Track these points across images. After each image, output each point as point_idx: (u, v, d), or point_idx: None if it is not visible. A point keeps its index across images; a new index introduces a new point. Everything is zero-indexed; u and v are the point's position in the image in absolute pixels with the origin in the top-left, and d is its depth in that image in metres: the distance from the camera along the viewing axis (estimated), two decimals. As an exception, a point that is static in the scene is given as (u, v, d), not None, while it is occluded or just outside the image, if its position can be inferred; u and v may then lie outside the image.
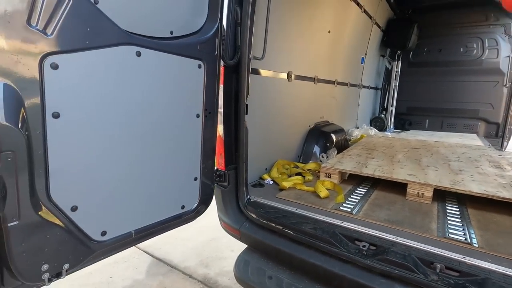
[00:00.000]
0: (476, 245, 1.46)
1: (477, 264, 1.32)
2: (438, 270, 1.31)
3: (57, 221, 1.14)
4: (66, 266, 1.20)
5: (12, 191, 0.99)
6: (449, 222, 1.73)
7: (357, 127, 4.99)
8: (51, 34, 1.04)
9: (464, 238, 1.52)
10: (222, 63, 1.83)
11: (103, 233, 1.33)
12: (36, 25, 1.00)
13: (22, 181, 1.02)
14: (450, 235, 1.56)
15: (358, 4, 3.94)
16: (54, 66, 1.07)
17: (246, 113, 2.03)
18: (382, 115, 5.87)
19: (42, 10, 1.01)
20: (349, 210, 1.87)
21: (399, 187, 2.17)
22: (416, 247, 1.46)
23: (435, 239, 1.53)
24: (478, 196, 1.88)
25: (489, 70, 5.04)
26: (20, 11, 0.96)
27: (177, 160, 1.63)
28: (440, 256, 1.38)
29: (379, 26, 5.04)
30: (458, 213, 1.87)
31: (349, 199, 2.07)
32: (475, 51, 5.15)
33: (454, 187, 1.96)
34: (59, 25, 1.05)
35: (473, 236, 1.55)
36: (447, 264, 1.33)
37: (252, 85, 2.09)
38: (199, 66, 1.64)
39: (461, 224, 1.70)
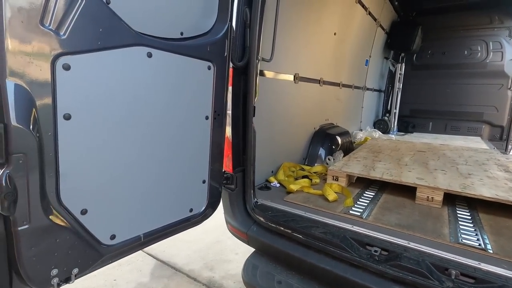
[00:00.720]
0: (491, 251, 1.43)
1: (493, 270, 1.29)
2: (453, 277, 1.28)
3: (67, 225, 1.12)
4: (75, 270, 1.17)
5: (23, 194, 0.97)
6: (461, 227, 1.70)
7: (361, 130, 4.98)
8: (64, 34, 1.03)
9: (478, 244, 1.49)
10: (230, 65, 1.82)
11: (112, 237, 1.31)
12: (49, 25, 0.99)
13: (33, 184, 1.00)
14: (463, 240, 1.53)
15: (363, 6, 3.93)
16: (66, 67, 1.05)
17: (254, 115, 2.02)
18: (386, 118, 5.85)
19: (55, 10, 0.99)
20: (359, 214, 1.84)
21: (407, 191, 2.14)
22: (429, 253, 1.43)
23: (448, 245, 1.50)
24: (489, 200, 1.86)
25: (494, 73, 5.02)
26: (34, 11, 0.94)
27: (186, 163, 1.61)
28: (454, 262, 1.36)
29: (383, 29, 5.03)
30: (470, 217, 1.84)
31: (358, 202, 2.05)
32: (479, 53, 5.14)
33: (464, 191, 1.94)
34: (71, 25, 1.04)
35: (487, 241, 1.52)
36: (462, 271, 1.30)
37: (259, 87, 2.08)
38: (209, 68, 1.63)
39: (473, 229, 1.67)
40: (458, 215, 1.88)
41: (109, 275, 2.82)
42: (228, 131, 1.97)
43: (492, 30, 5.03)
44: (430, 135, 5.37)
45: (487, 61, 5.06)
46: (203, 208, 1.76)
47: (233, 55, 1.81)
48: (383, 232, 1.61)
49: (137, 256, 3.15)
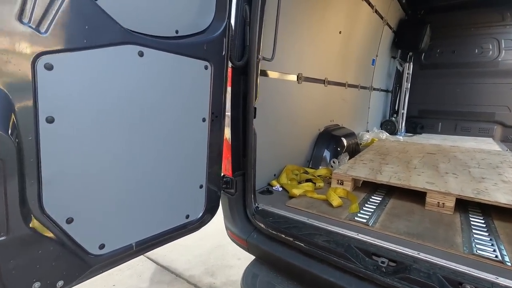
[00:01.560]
0: (509, 264, 1.32)
1: (512, 286, 1.18)
2: (468, 292, 1.18)
3: (51, 235, 1.05)
4: (60, 283, 1.11)
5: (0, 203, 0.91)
6: (475, 236, 1.59)
7: (368, 131, 4.85)
8: (45, 32, 0.96)
9: (494, 255, 1.38)
10: (229, 64, 1.74)
11: (101, 246, 1.24)
12: (29, 21, 0.92)
13: (11, 192, 0.93)
14: (478, 251, 1.42)
15: (369, 4, 3.82)
16: (49, 67, 0.98)
17: (255, 117, 1.93)
18: (393, 118, 5.71)
19: (36, 5, 0.92)
20: (365, 221, 1.74)
21: (416, 195, 2.03)
22: (441, 265, 1.33)
23: (461, 256, 1.39)
24: (505, 207, 1.74)
25: (506, 72, 4.84)
26: (11, 6, 0.88)
27: (181, 167, 1.53)
28: (469, 276, 1.25)
29: (390, 27, 4.90)
30: (484, 225, 1.72)
31: (364, 208, 1.95)
32: (490, 52, 4.97)
33: (478, 197, 1.82)
34: (54, 22, 0.97)
35: (504, 252, 1.41)
36: (478, 285, 1.20)
37: (260, 87, 2.00)
38: (206, 67, 1.55)
39: (489, 239, 1.56)
40: (472, 222, 1.77)
41: (108, 281, 2.77)
42: (228, 133, 1.89)
43: (504, 27, 4.86)
44: (439, 136, 5.21)
45: (499, 59, 4.88)
46: (201, 214, 1.68)
47: (232, 54, 1.73)
48: (391, 241, 1.51)
49: (137, 261, 3.10)
